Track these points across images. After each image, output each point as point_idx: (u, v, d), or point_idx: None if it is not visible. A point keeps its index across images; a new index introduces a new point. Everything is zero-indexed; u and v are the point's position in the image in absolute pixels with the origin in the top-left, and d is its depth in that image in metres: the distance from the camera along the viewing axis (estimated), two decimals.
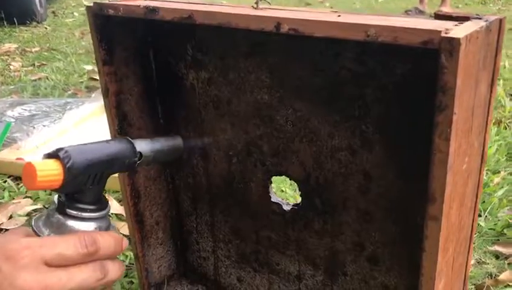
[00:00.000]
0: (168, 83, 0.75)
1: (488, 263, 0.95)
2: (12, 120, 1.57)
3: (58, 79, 2.23)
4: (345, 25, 0.43)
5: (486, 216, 1.08)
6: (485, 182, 1.19)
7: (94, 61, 2.53)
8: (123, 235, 1.02)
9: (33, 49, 2.88)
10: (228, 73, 0.66)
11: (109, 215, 0.51)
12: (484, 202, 1.13)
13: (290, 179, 0.67)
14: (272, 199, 0.70)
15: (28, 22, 3.59)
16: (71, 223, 0.47)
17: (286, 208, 0.69)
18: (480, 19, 0.43)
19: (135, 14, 0.60)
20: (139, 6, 0.59)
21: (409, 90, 0.51)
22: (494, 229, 1.04)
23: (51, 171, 0.44)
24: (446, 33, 0.39)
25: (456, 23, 0.43)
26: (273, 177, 0.70)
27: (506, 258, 0.96)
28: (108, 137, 0.67)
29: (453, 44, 0.38)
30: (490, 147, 1.40)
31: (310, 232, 0.68)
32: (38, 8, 3.70)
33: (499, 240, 1.01)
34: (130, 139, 0.53)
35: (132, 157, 0.53)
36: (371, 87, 0.54)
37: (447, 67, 0.39)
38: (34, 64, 2.55)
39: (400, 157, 0.55)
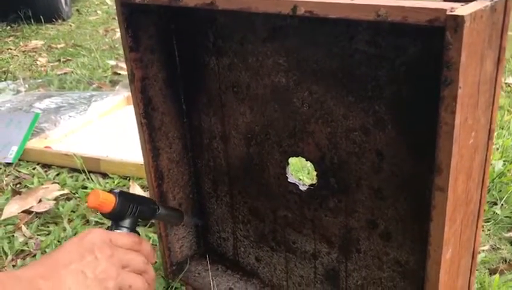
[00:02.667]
0: (191, 69, 0.79)
1: (503, 249, 0.96)
2: (40, 111, 1.63)
3: (83, 73, 2.29)
4: (357, 6, 0.46)
5: (502, 204, 1.10)
6: (502, 171, 1.20)
7: (117, 56, 2.59)
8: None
9: (59, 46, 2.96)
10: (247, 58, 0.70)
11: None
12: (501, 191, 1.14)
13: (306, 160, 0.70)
14: (288, 180, 0.74)
15: (54, 19, 3.68)
16: None
17: (302, 188, 0.72)
18: None
19: (160, 2, 0.64)
20: None
21: (419, 69, 0.53)
22: (510, 217, 1.05)
23: (108, 198, 0.65)
24: (451, 11, 0.41)
25: (462, 3, 0.45)
26: (291, 163, 0.73)
27: None
28: (133, 125, 0.80)
29: (457, 21, 0.40)
30: (508, 138, 1.41)
31: (325, 211, 0.70)
32: (64, 6, 3.78)
33: None
34: (155, 202, 0.77)
35: (154, 205, 0.75)
36: (384, 68, 0.56)
37: (451, 43, 0.41)
38: (59, 60, 2.62)
39: (411, 135, 0.57)
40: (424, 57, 0.52)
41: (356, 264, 0.70)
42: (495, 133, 1.46)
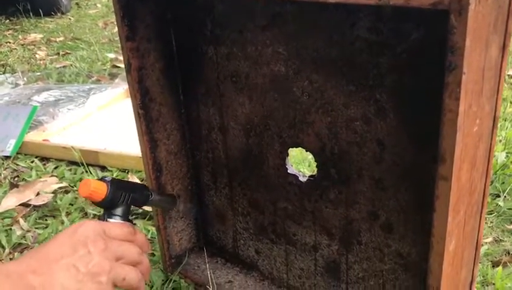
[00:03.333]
0: (188, 59, 0.77)
1: (506, 241, 0.95)
2: (39, 104, 1.62)
3: (82, 67, 2.28)
4: None
5: (505, 196, 1.08)
6: (505, 163, 1.19)
7: (117, 49, 2.58)
8: (144, 211, 1.06)
9: (58, 39, 2.94)
10: (246, 47, 0.68)
11: None
12: (504, 183, 1.13)
13: (306, 151, 0.68)
14: (288, 171, 0.72)
15: (53, 13, 3.66)
16: None
17: (302, 179, 0.71)
18: None
19: None
20: None
21: (422, 56, 0.52)
22: None
23: (100, 187, 0.64)
24: None
25: None
26: (291, 154, 0.72)
27: None
28: (132, 118, 0.79)
29: (462, 4, 0.39)
30: (511, 130, 1.39)
31: (325, 203, 0.69)
32: None
33: None
34: (148, 188, 0.75)
35: (147, 191, 0.74)
36: (386, 56, 0.55)
37: (456, 27, 0.40)
38: (58, 53, 2.61)
39: (413, 124, 0.56)
40: (426, 43, 0.51)
41: (357, 257, 0.69)
42: (498, 124, 1.44)
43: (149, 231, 1.00)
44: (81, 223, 0.60)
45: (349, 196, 0.66)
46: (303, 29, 0.61)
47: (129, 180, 1.17)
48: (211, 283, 0.84)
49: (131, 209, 0.70)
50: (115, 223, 0.65)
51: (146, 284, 0.85)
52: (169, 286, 0.85)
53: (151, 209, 0.96)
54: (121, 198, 0.66)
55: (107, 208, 0.66)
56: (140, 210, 1.07)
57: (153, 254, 0.93)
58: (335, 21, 0.57)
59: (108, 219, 0.66)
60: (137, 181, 1.18)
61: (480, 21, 0.42)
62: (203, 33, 0.73)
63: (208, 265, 0.88)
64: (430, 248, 0.50)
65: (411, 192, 0.59)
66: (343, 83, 0.60)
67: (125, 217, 0.67)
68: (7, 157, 1.36)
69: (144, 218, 1.05)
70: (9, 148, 1.37)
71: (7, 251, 0.98)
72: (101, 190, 0.64)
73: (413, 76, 0.53)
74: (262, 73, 0.68)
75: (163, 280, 0.86)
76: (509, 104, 1.61)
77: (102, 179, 0.66)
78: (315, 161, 0.68)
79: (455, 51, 0.41)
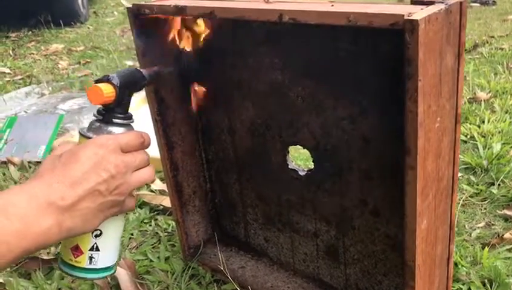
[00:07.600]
0: (198, 70, 0.87)
1: (497, 225, 1.03)
2: (64, 112, 1.74)
3: (102, 75, 2.40)
4: (332, 13, 0.54)
5: (499, 184, 1.16)
6: (500, 153, 1.26)
7: (134, 56, 2.69)
8: (165, 207, 1.16)
9: (78, 48, 3.08)
10: (247, 58, 0.78)
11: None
12: (498, 172, 1.20)
13: (304, 148, 0.78)
14: (289, 166, 0.82)
15: (73, 23, 3.81)
16: (113, 129, 0.68)
17: (302, 173, 0.80)
18: (442, 2, 0.52)
19: (167, 13, 0.72)
20: (170, 5, 0.71)
21: (393, 64, 0.60)
22: (505, 196, 1.11)
23: (109, 90, 0.65)
24: (409, 16, 0.48)
25: (423, 7, 0.52)
26: (291, 151, 0.81)
27: None
28: (151, 130, 0.84)
29: (413, 24, 0.48)
30: (509, 121, 1.46)
31: (322, 193, 0.78)
32: (81, 9, 3.91)
33: (509, 205, 1.09)
34: (140, 70, 0.75)
35: (144, 80, 0.74)
36: (364, 64, 0.64)
37: (410, 43, 0.49)
38: (79, 62, 2.74)
39: (391, 121, 0.64)
40: (396, 53, 0.59)
41: (352, 240, 0.78)
42: (496, 116, 1.50)
43: (169, 224, 1.10)
44: (99, 143, 0.62)
45: (342, 187, 0.75)
46: (294, 43, 0.70)
47: (155, 184, 1.27)
48: (226, 269, 0.93)
49: None
50: (127, 135, 0.66)
51: (168, 271, 0.96)
52: (189, 272, 0.94)
53: (170, 206, 1.06)
54: (126, 97, 0.68)
55: (113, 107, 0.67)
56: (161, 207, 1.17)
57: (173, 245, 1.03)
58: (320, 35, 0.66)
59: (114, 120, 0.67)
60: (158, 182, 1.29)
61: (431, 36, 0.50)
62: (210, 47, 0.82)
63: (222, 253, 0.98)
64: (405, 227, 0.58)
65: (393, 180, 0.68)
66: (331, 88, 0.69)
67: (127, 112, 0.69)
68: (38, 163, 1.48)
69: (165, 213, 1.16)
70: (40, 153, 1.49)
71: None
72: (111, 95, 0.65)
73: (388, 81, 0.62)
74: (262, 81, 0.78)
75: (183, 268, 0.96)
76: (509, 96, 1.67)
77: (108, 80, 0.66)
78: (311, 157, 0.77)
79: (411, 62, 0.49)
